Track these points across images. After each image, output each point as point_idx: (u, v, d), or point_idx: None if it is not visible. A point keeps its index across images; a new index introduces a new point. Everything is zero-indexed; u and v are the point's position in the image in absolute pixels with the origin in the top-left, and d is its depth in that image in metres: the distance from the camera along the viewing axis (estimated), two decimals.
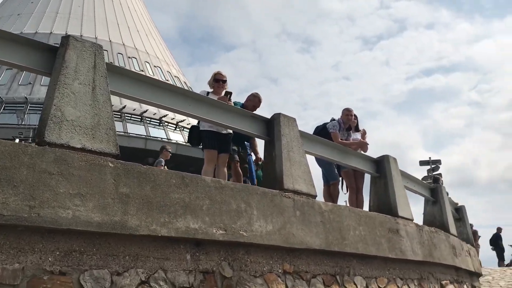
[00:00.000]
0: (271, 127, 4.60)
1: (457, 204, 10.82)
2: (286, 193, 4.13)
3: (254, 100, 6.05)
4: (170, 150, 9.79)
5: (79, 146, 2.92)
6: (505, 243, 18.82)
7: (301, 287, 4.00)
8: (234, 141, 5.60)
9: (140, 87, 3.72)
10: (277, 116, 4.59)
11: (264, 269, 3.74)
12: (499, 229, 18.77)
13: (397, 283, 5.37)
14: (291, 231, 3.98)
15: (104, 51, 3.39)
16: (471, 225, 15.01)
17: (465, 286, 7.93)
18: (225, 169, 5.27)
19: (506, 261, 18.76)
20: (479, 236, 17.36)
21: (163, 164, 8.94)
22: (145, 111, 31.69)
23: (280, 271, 3.87)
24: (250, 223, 3.65)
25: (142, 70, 34.02)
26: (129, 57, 37.02)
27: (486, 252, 18.49)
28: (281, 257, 3.93)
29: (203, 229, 3.28)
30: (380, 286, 5.04)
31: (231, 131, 5.26)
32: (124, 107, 30.18)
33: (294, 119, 4.76)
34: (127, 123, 31.22)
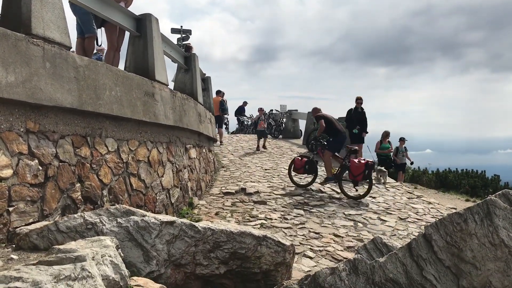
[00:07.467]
0: None
1: (204, 74, 11.36)
2: (35, 40, 3.41)
3: None
4: None
5: None
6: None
7: (46, 147, 3.54)
8: None
9: None
10: None
11: (2, 126, 3.11)
12: (244, 103, 21.24)
13: (148, 146, 5.39)
14: (39, 85, 3.37)
15: None
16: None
17: (204, 150, 8.67)
18: None
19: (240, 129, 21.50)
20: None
21: None
22: None
23: (22, 130, 3.30)
24: None
25: None
26: None
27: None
28: (25, 114, 3.33)
29: None
30: (131, 148, 4.96)
31: None
32: None
33: None
34: None
